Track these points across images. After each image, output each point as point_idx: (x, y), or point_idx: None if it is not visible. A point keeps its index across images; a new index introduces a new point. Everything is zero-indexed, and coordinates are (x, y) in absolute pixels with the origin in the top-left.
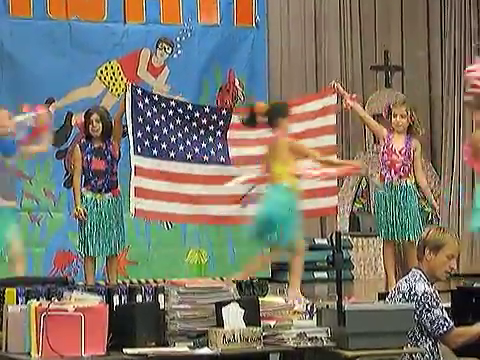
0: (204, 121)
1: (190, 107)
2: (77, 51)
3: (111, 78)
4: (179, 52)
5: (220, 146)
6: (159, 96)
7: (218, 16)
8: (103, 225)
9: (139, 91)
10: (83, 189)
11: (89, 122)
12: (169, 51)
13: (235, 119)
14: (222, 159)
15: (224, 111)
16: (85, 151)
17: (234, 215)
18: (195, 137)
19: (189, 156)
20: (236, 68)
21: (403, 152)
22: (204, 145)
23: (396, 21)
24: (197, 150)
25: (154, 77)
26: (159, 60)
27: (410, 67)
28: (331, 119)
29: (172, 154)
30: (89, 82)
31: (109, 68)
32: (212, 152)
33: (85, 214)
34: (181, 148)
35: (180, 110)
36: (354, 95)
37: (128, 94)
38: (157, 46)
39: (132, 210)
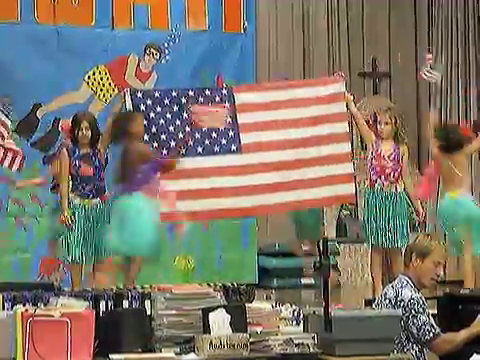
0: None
1: (191, 93)
2: (65, 56)
3: (99, 83)
4: (167, 58)
5: (231, 133)
6: (159, 91)
7: (206, 22)
8: (91, 231)
9: (139, 94)
10: (71, 195)
11: (79, 129)
12: (157, 57)
13: (239, 99)
14: (233, 148)
15: (224, 91)
16: (73, 157)
17: (249, 206)
18: (205, 128)
19: (199, 149)
20: (224, 74)
21: (392, 158)
22: (215, 135)
23: (384, 28)
24: (207, 142)
25: (142, 83)
26: (147, 66)
27: (397, 74)
28: (342, 106)
29: (182, 151)
30: (77, 87)
31: (97, 73)
32: (223, 141)
33: (72, 220)
34: (190, 143)
35: (183, 100)
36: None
37: (128, 100)
38: (145, 52)
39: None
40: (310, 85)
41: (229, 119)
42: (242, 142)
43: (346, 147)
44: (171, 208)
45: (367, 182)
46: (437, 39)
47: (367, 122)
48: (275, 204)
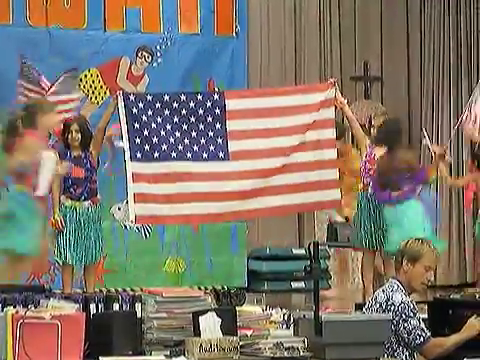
0: (201, 111)
1: (183, 98)
2: (57, 59)
3: (90, 86)
4: (159, 61)
5: (220, 140)
6: (152, 95)
7: (198, 25)
8: (81, 233)
9: (131, 97)
10: (62, 197)
11: (68, 132)
12: (149, 60)
13: (229, 105)
14: (221, 155)
15: (216, 96)
16: (64, 159)
17: (236, 210)
18: (194, 134)
19: (189, 155)
20: (216, 77)
21: None
22: (203, 141)
23: (375, 32)
24: (196, 148)
25: (134, 86)
26: (139, 69)
27: (389, 78)
28: (331, 112)
29: (173, 154)
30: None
31: (89, 76)
32: (211, 148)
33: (62, 224)
34: (180, 148)
35: (175, 104)
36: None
37: (120, 102)
38: (137, 54)
39: (132, 218)
40: (301, 92)
41: (218, 126)
42: (230, 149)
43: (333, 153)
44: (149, 211)
45: (360, 185)
46: (429, 42)
47: (362, 126)
48: (263, 208)
